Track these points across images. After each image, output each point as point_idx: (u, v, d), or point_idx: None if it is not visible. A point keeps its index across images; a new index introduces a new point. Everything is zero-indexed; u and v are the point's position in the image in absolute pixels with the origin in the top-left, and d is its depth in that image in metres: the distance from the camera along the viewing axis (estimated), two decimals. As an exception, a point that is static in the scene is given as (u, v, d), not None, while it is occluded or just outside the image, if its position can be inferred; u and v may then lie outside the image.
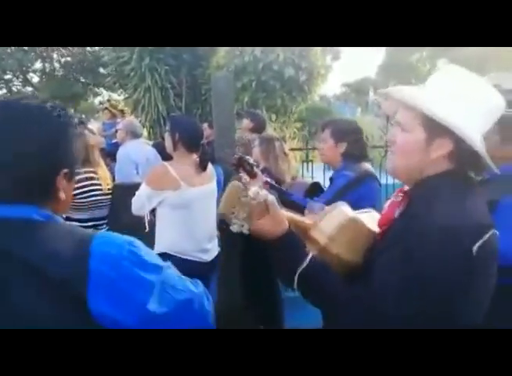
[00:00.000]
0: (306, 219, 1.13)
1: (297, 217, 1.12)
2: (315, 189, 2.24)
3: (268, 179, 2.83)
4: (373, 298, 0.90)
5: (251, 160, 1.57)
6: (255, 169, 1.55)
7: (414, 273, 0.86)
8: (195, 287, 0.89)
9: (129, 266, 0.78)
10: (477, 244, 0.86)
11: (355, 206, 1.19)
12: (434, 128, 0.97)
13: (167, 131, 2.45)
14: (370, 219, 1.11)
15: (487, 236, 0.89)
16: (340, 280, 0.99)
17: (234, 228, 1.03)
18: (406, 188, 1.08)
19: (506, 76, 1.69)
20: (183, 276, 0.89)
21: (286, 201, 2.04)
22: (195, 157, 2.41)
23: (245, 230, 1.03)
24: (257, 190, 1.02)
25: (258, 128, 3.79)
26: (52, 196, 0.84)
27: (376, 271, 0.93)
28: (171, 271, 0.86)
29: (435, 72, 1.06)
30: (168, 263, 0.87)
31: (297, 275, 0.99)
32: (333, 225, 1.07)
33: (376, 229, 1.09)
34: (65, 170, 0.84)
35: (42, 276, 0.73)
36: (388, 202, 1.10)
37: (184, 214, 2.33)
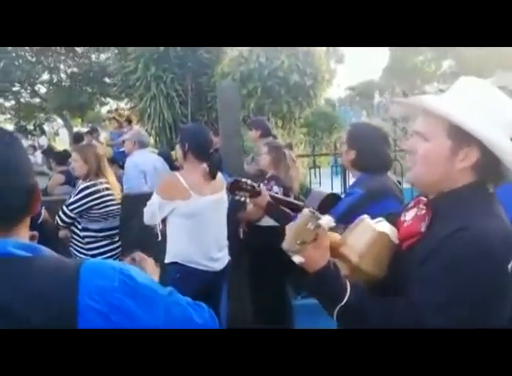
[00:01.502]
0: (334, 234, 1.09)
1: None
2: (331, 201, 2.06)
3: (276, 189, 2.83)
4: (416, 310, 0.89)
5: (249, 181, 1.42)
6: (257, 187, 1.40)
7: (456, 286, 0.87)
8: (198, 315, 0.81)
9: (122, 298, 0.70)
10: None
11: None
12: (460, 137, 0.94)
13: (178, 143, 2.47)
14: (388, 229, 1.09)
15: None
16: (378, 304, 0.97)
17: (296, 259, 0.99)
18: (424, 199, 1.05)
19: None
20: (187, 302, 0.81)
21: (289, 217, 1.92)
22: (205, 166, 2.42)
23: (300, 259, 0.99)
24: (332, 220, 0.97)
25: (265, 131, 3.84)
26: (28, 211, 0.76)
27: (417, 285, 0.92)
28: (172, 298, 0.78)
29: (455, 83, 1.04)
30: (169, 288, 0.80)
31: (335, 312, 0.96)
32: (364, 241, 1.05)
33: (395, 239, 1.07)
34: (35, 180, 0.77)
35: (26, 325, 0.65)
36: (409, 214, 1.06)
37: (194, 223, 2.34)
